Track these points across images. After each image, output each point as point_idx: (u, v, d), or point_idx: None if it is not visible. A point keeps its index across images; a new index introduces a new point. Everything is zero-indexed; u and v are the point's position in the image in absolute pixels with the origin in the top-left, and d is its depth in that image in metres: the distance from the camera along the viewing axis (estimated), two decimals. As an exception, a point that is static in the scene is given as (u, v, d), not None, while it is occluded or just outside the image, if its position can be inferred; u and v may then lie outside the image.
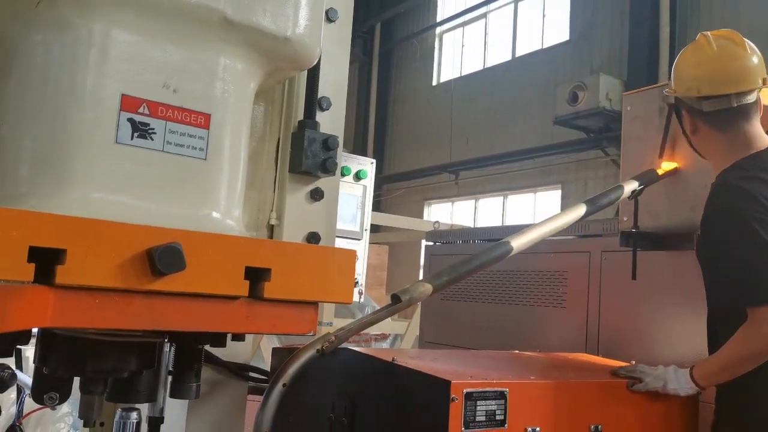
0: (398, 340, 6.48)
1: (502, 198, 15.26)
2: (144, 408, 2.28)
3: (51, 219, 1.33)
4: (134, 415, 2.17)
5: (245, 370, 2.54)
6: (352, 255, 1.73)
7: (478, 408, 1.82)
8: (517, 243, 2.34)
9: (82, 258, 1.36)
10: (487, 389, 1.84)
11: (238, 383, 2.54)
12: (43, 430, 5.04)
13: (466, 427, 1.80)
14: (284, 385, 1.98)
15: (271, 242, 1.76)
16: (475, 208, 15.91)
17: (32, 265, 1.31)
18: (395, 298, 2.20)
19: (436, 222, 4.33)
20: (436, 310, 4.08)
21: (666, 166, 2.85)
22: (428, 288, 2.23)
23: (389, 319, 7.21)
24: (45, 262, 1.33)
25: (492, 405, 1.85)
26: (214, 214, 1.65)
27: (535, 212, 13.95)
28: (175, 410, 2.38)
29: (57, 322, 1.35)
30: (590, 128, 12.15)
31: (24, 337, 1.52)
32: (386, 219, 6.78)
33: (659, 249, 2.90)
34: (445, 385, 1.78)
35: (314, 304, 1.72)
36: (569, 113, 11.74)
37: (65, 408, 5.45)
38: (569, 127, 12.20)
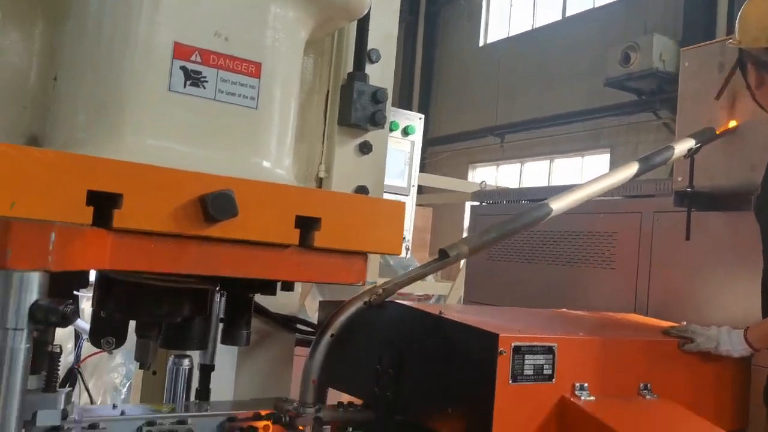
0: (442, 301, 6.49)
1: (548, 162, 15.03)
2: (195, 356, 2.35)
3: (108, 164, 1.36)
4: (186, 362, 2.23)
5: (293, 322, 2.58)
6: (401, 206, 1.73)
7: (526, 362, 1.82)
8: (566, 201, 2.30)
9: (138, 203, 1.38)
10: (536, 344, 1.83)
11: (286, 335, 2.58)
12: (99, 378, 5.24)
13: (513, 381, 1.79)
14: (332, 335, 2.00)
15: (321, 191, 1.77)
16: (521, 171, 15.72)
17: (90, 209, 1.34)
18: (443, 254, 2.19)
19: (483, 182, 4.28)
20: (482, 270, 4.06)
21: (724, 122, 2.75)
22: (476, 244, 2.21)
23: (433, 279, 7.23)
24: (102, 206, 1.36)
25: (540, 359, 1.84)
26: (265, 163, 1.66)
27: (582, 177, 13.70)
28: (225, 359, 2.44)
29: (115, 264, 1.39)
30: (642, 90, 11.81)
31: (82, 280, 1.57)
32: (431, 180, 6.74)
33: (715, 209, 2.82)
34: (493, 338, 1.78)
35: (363, 254, 1.72)
36: (621, 75, 11.41)
37: (118, 359, 5.66)
38: (620, 89, 11.88)
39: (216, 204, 1.42)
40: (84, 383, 2.33)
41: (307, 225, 1.59)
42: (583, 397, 1.87)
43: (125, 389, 5.57)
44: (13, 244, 1.07)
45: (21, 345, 1.08)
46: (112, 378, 5.46)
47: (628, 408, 1.93)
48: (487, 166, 16.33)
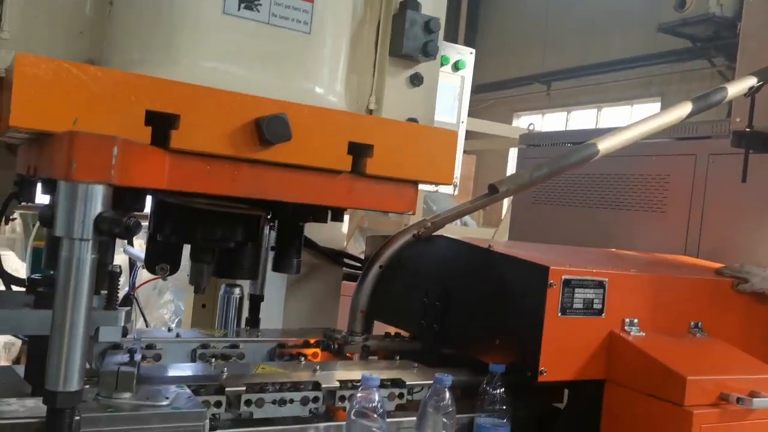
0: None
1: (595, 110, 14.67)
2: (246, 287, 2.40)
3: (166, 84, 1.37)
4: (237, 291, 2.28)
5: (340, 256, 2.61)
6: (453, 136, 1.71)
7: (576, 295, 1.81)
8: (620, 139, 2.24)
9: (195, 124, 1.40)
10: (587, 277, 1.82)
11: (334, 268, 2.62)
12: (149, 314, 5.41)
13: (562, 314, 1.79)
14: (381, 266, 2.02)
15: (374, 118, 1.75)
16: (567, 120, 15.39)
17: (149, 129, 1.36)
18: (492, 189, 2.17)
19: (531, 124, 4.19)
20: (527, 214, 4.02)
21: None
22: (526, 180, 2.19)
23: (476, 225, 7.21)
24: (160, 126, 1.38)
25: (590, 293, 1.83)
26: (317, 89, 1.65)
27: (631, 126, 13.34)
28: (274, 291, 2.49)
29: (172, 185, 1.41)
30: (697, 36, 11.33)
31: (140, 201, 1.60)
32: (476, 124, 6.63)
33: (774, 151, 2.72)
34: (543, 270, 1.77)
35: (414, 183, 1.72)
36: (675, 20, 10.95)
37: (168, 296, 5.83)
38: (674, 35, 11.41)
39: (271, 127, 1.43)
40: (140, 308, 2.40)
41: (359, 152, 1.59)
42: (632, 333, 1.86)
43: (174, 324, 5.76)
44: (78, 156, 1.10)
45: (87, 255, 1.12)
46: (162, 314, 5.64)
47: (678, 345, 1.91)
48: (532, 115, 16.01)
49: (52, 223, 1.13)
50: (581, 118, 15.00)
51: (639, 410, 1.77)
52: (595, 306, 1.84)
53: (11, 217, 2.50)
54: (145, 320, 2.55)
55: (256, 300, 2.41)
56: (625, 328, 1.87)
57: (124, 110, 1.32)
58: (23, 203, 2.35)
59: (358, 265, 2.62)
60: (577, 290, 1.81)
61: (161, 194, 1.58)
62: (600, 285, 1.84)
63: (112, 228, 1.11)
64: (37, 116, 1.25)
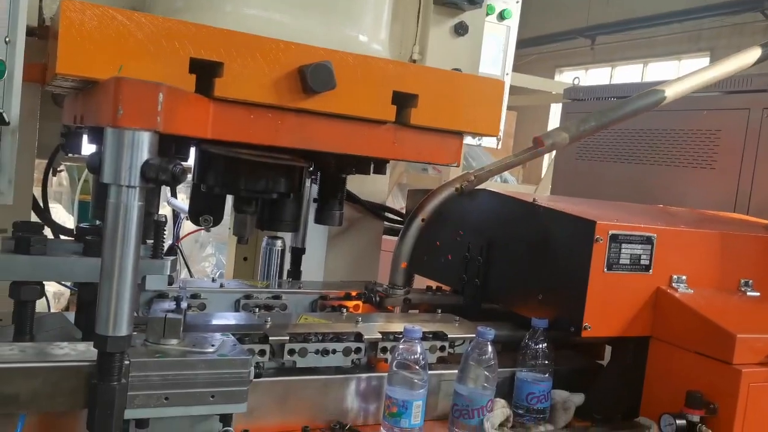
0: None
1: (641, 65, 14.25)
2: (287, 240, 2.41)
3: (210, 31, 1.35)
4: (279, 243, 2.30)
5: (381, 210, 2.60)
6: (500, 85, 1.67)
7: (623, 251, 1.77)
8: (678, 88, 2.16)
9: (238, 72, 1.38)
10: (634, 233, 1.78)
11: (374, 222, 2.62)
12: (192, 266, 5.51)
13: (608, 269, 1.75)
14: (423, 220, 2.01)
15: (419, 67, 1.72)
16: (611, 76, 14.98)
17: (193, 77, 1.35)
18: (537, 142, 2.12)
19: (576, 78, 4.07)
20: (570, 171, 3.94)
21: None
22: (573, 133, 2.13)
23: (516, 182, 7.12)
24: (204, 74, 1.37)
25: (638, 249, 1.78)
26: (361, 37, 1.62)
27: (678, 82, 12.93)
28: (315, 244, 2.50)
29: (216, 134, 1.41)
30: (751, -14, 10.87)
31: (185, 151, 1.60)
32: (517, 79, 6.48)
33: (835, 104, 2.60)
34: (589, 225, 1.73)
35: (459, 134, 1.69)
36: (728, -31, 10.51)
37: (209, 249, 5.93)
38: (726, -15, 10.97)
39: (315, 75, 1.41)
40: (184, 259, 2.44)
41: (403, 101, 1.56)
42: (680, 290, 1.82)
43: (216, 276, 5.87)
44: (124, 102, 1.09)
45: (134, 202, 1.12)
46: (203, 267, 5.75)
47: (727, 303, 1.87)
48: (575, 70, 15.62)
49: (100, 170, 1.13)
50: (626, 74, 14.59)
51: (685, 368, 1.74)
52: (642, 262, 1.80)
53: (58, 169, 2.54)
54: (189, 271, 2.60)
55: (297, 253, 2.42)
56: (673, 284, 1.83)
57: (168, 58, 1.31)
58: (70, 155, 2.39)
59: (399, 219, 2.61)
60: (624, 246, 1.77)
61: (204, 144, 1.58)
62: (648, 241, 1.80)
63: (158, 175, 1.11)
64: (83, 63, 1.25)
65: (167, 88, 1.15)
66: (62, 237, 2.47)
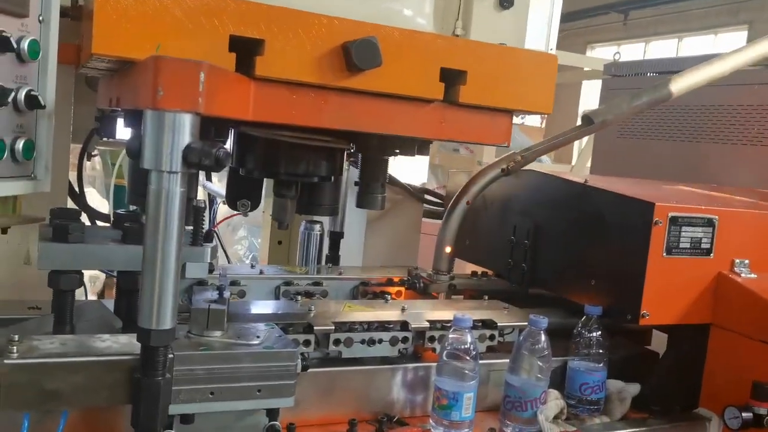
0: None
1: (676, 40, 13.87)
2: (325, 224, 2.35)
3: (251, 7, 1.28)
4: (317, 227, 2.24)
5: (422, 192, 2.53)
6: (553, 60, 1.57)
7: (683, 234, 1.68)
8: (737, 60, 2.03)
9: (280, 49, 1.31)
10: (695, 215, 1.68)
11: (415, 204, 2.54)
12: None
13: (668, 253, 1.66)
14: (468, 203, 1.92)
15: (467, 42, 1.62)
16: (645, 52, 14.63)
17: (233, 55, 1.28)
18: (587, 120, 2.02)
19: (617, 53, 3.93)
20: (611, 149, 3.82)
21: None
22: (624, 110, 2.02)
23: (550, 162, 6.97)
24: (245, 53, 1.30)
25: (698, 232, 1.69)
26: (406, 11, 1.53)
27: (714, 57, 12.56)
28: (354, 228, 2.44)
29: (257, 115, 1.34)
30: (794, -45, 10.47)
31: (225, 134, 1.54)
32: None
33: None
34: (648, 207, 1.64)
35: (509, 112, 1.60)
36: (770, -63, 10.12)
37: (242, 232, 5.91)
38: (768, -46, 10.58)
39: (360, 52, 1.33)
40: (221, 244, 2.40)
41: (452, 78, 1.47)
42: (743, 274, 1.72)
43: (249, 260, 5.86)
44: (164, 83, 1.03)
45: (176, 188, 1.06)
46: (236, 250, 5.73)
47: (793, 288, 1.76)
48: (607, 46, 15.30)
49: (140, 155, 1.07)
50: (660, 49, 14.23)
51: (748, 356, 1.65)
52: (703, 245, 1.70)
53: (93, 154, 2.51)
54: (226, 256, 2.55)
55: (336, 237, 2.36)
56: (735, 269, 1.73)
57: (207, 35, 1.24)
58: (105, 139, 2.34)
59: (439, 201, 2.54)
60: (684, 228, 1.68)
61: (243, 127, 1.52)
62: (709, 223, 1.70)
63: (201, 159, 1.05)
64: (119, 43, 1.19)
65: (208, 66, 1.08)
66: (99, 223, 2.45)
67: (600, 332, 1.70)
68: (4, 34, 0.98)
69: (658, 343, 2.00)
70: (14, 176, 1.08)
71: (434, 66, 1.44)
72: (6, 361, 1.08)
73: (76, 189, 2.41)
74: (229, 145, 1.73)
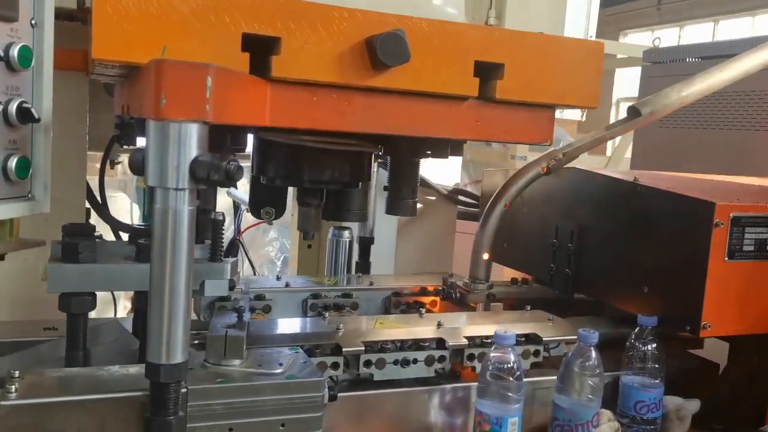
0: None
1: (711, 24, 13.45)
2: (355, 229, 2.24)
3: (264, 2, 1.16)
4: (346, 234, 2.12)
5: (455, 193, 2.39)
6: (599, 48, 1.43)
7: (746, 235, 1.52)
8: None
9: (298, 47, 1.19)
10: (760, 214, 1.52)
11: (448, 206, 2.41)
12: (255, 252, 5.43)
13: (730, 257, 1.51)
14: (506, 205, 1.79)
15: (504, 31, 1.49)
16: (679, 37, 14.22)
17: (246, 56, 1.17)
18: (633, 111, 1.87)
19: (657, 38, 3.73)
20: (652, 140, 3.63)
21: None
22: (673, 99, 1.87)
23: (586, 154, 6.77)
24: (259, 53, 1.19)
25: (763, 233, 1.53)
26: (435, 0, 1.40)
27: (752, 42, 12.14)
28: (384, 232, 2.31)
29: (275, 120, 1.22)
30: (837, -70, 10.04)
31: (241, 139, 1.43)
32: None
33: None
34: (707, 207, 1.48)
35: (551, 107, 1.46)
36: None
37: (273, 233, 5.84)
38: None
39: (386, 47, 1.20)
40: (246, 253, 2.30)
41: (487, 73, 1.34)
42: (815, 279, 1.55)
43: (280, 261, 5.78)
44: (167, 90, 0.92)
45: (184, 206, 0.95)
46: (267, 252, 5.66)
47: None
48: (641, 32, 14.93)
49: (143, 170, 0.97)
50: (695, 34, 13.82)
51: (822, 369, 1.49)
52: (769, 248, 1.54)
53: (116, 161, 2.43)
54: (252, 266, 2.45)
55: (366, 243, 2.24)
56: (806, 272, 1.57)
57: (218, 34, 1.13)
58: (125, 147, 2.26)
59: (473, 202, 2.40)
60: (747, 230, 1.52)
61: (262, 132, 1.41)
62: (776, 223, 1.54)
63: (210, 174, 0.94)
64: (121, 46, 1.08)
65: (216, 69, 0.96)
66: (121, 234, 2.36)
67: (656, 345, 1.55)
68: (-12, 41, 0.88)
69: (711, 347, 1.84)
70: (8, 198, 0.98)
71: (468, 59, 1.31)
72: (3, 403, 0.98)
73: (99, 198, 2.33)
74: (248, 150, 1.63)
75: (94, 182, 2.23)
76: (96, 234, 2.41)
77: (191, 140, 0.95)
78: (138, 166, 0.99)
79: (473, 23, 1.66)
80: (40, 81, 1.02)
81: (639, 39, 14.78)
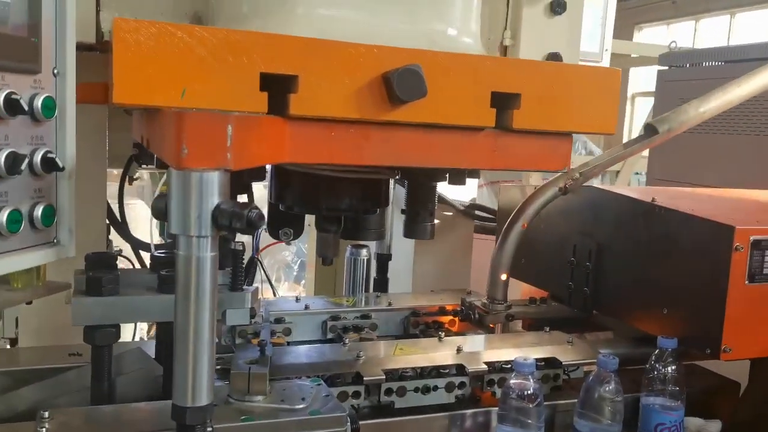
0: (608, 178, 6.04)
1: (728, 17, 13.29)
2: (372, 246, 2.25)
3: (281, 41, 1.17)
4: (364, 252, 2.13)
5: (472, 209, 2.40)
6: (616, 75, 1.42)
7: (767, 258, 1.51)
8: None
9: (315, 85, 1.20)
10: (781, 236, 1.52)
11: (465, 221, 2.42)
12: (272, 257, 5.48)
13: (751, 281, 1.50)
14: (524, 225, 1.79)
15: (520, 62, 1.50)
16: (695, 31, 14.07)
17: (264, 95, 1.17)
18: (650, 129, 1.86)
19: (673, 42, 3.70)
20: (670, 146, 3.60)
21: None
22: (693, 115, 1.86)
23: (598, 149, 6.72)
24: (277, 91, 1.20)
25: (784, 255, 1.53)
26: (450, 31, 1.41)
27: (771, 33, 11.99)
28: (401, 248, 2.32)
29: (294, 157, 1.23)
30: None
31: (259, 173, 1.45)
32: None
33: None
34: (727, 231, 1.48)
35: (568, 135, 1.46)
36: None
37: (288, 239, 5.86)
38: None
39: (402, 82, 1.21)
40: (266, 274, 2.32)
41: (504, 103, 1.34)
42: (837, 300, 1.54)
43: (297, 266, 5.82)
44: (189, 140, 0.94)
45: (206, 253, 0.97)
46: (284, 256, 5.69)
47: None
48: (656, 26, 14.79)
49: (167, 216, 0.98)
50: (711, 28, 13.67)
51: None
52: (790, 269, 1.54)
53: (134, 177, 2.46)
54: (272, 287, 2.47)
55: (383, 259, 2.26)
56: (827, 294, 1.56)
57: (236, 75, 1.14)
58: (143, 166, 2.29)
59: (491, 216, 2.40)
60: (768, 252, 1.51)
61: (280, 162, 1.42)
62: (797, 245, 1.53)
63: (232, 222, 0.95)
64: (142, 90, 1.09)
65: (236, 118, 0.98)
66: (141, 252, 2.39)
67: (676, 366, 1.55)
68: (13, 96, 0.90)
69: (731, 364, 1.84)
70: (35, 245, 1.00)
71: (484, 90, 1.31)
72: (35, 446, 1.00)
73: (118, 217, 2.36)
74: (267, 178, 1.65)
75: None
76: (116, 249, 2.44)
77: (213, 188, 0.96)
78: (160, 213, 1.00)
79: (487, 45, 1.66)
80: (63, 129, 1.04)
81: (654, 33, 14.65)
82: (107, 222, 2.24)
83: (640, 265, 1.74)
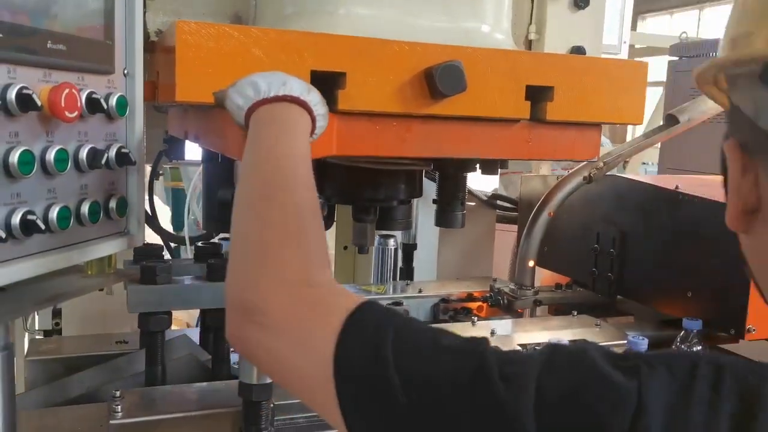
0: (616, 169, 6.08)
1: (731, 5, 13.30)
2: (398, 235, 2.31)
3: (330, 40, 1.24)
4: (392, 242, 2.20)
5: (494, 198, 2.46)
6: (643, 68, 1.49)
7: (789, 241, 1.57)
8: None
9: (362, 81, 1.26)
10: (802, 220, 1.57)
11: (487, 211, 2.48)
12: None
13: (773, 262, 1.56)
14: (550, 214, 1.86)
15: (553, 56, 1.55)
16: (699, 19, 14.09)
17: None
18: (671, 119, 1.93)
19: (683, 33, 3.74)
20: (684, 133, 3.66)
21: None
22: (713, 105, 1.91)
23: (610, 145, 6.77)
24: (326, 87, 1.26)
25: (805, 238, 1.58)
26: (484, 28, 1.47)
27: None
28: (426, 238, 2.39)
29: (342, 150, 1.30)
30: None
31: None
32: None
33: None
34: (750, 215, 1.54)
35: (598, 125, 1.52)
36: None
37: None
38: None
39: (444, 78, 1.27)
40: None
41: (538, 96, 1.40)
42: None
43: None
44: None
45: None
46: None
47: None
48: (659, 16, 14.81)
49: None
50: (715, 17, 13.67)
51: None
52: (811, 252, 1.59)
53: (160, 172, 2.53)
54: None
55: (409, 249, 2.32)
56: None
57: (288, 72, 1.20)
58: (173, 160, 2.35)
59: (512, 206, 2.47)
60: (789, 235, 1.57)
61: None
62: (818, 228, 1.59)
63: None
64: (203, 88, 1.16)
65: (297, 113, 1.04)
66: (172, 244, 2.46)
67: (701, 348, 1.62)
68: (94, 95, 0.96)
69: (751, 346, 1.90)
70: (110, 234, 1.07)
71: (520, 84, 1.38)
72: (113, 422, 1.07)
73: (149, 211, 2.42)
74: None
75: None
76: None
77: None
78: (228, 203, 1.07)
79: (515, 40, 1.72)
80: (132, 126, 1.10)
81: (657, 23, 14.67)
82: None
83: (665, 250, 1.80)
